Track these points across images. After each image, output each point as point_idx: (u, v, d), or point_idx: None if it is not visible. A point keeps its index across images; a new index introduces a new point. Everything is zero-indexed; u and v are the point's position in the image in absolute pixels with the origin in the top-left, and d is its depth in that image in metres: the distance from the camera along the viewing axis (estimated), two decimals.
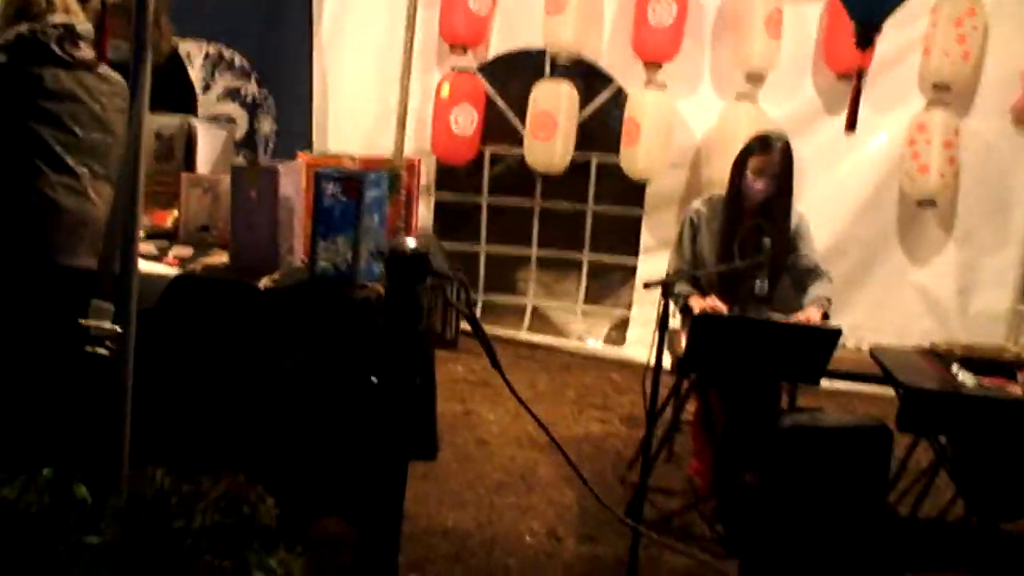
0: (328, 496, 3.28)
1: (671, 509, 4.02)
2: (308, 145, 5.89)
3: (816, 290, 4.10)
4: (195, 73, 5.85)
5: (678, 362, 3.83)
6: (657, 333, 3.30)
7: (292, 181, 3.56)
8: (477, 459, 4.38)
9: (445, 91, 5.72)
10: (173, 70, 4.77)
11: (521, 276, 6.44)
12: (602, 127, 6.04)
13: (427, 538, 3.68)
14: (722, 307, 3.95)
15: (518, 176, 6.04)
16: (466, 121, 5.71)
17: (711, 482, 3.95)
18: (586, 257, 6.29)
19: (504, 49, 5.98)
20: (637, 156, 5.60)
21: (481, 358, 6.11)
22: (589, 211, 6.17)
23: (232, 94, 5.91)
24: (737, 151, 4.10)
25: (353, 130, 5.97)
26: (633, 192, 5.98)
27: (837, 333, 3.45)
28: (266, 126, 5.99)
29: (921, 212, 5.69)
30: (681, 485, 4.27)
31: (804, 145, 5.63)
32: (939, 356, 3.55)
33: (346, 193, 3.45)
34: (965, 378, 3.29)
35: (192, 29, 5.56)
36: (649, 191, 5.93)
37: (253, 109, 5.95)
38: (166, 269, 3.51)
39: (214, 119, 5.83)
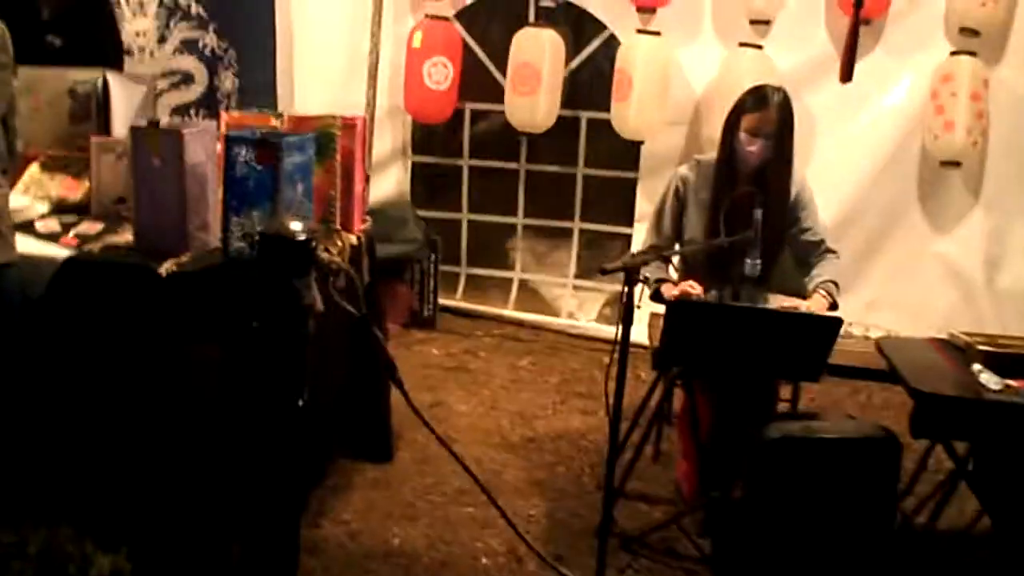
0: (231, 520, 2.81)
1: (653, 520, 3.54)
2: (273, 102, 5.39)
3: (821, 270, 3.58)
4: (148, 23, 5.34)
5: (654, 354, 3.32)
6: (621, 326, 2.80)
7: (203, 146, 3.07)
8: (438, 460, 3.90)
9: (417, 40, 5.18)
10: (95, 14, 4.27)
11: (508, 247, 5.92)
12: (594, 80, 5.46)
13: (366, 562, 3.21)
14: (697, 290, 3.44)
15: (502, 136, 5.48)
16: (441, 74, 5.18)
17: (696, 491, 3.46)
18: (577, 226, 5.75)
19: None
20: (629, 113, 5.05)
21: (462, 340, 5.70)
22: (579, 174, 5.63)
23: (189, 46, 5.37)
24: None
25: (321, 86, 5.45)
26: (628, 153, 5.43)
27: (837, 323, 2.93)
28: (227, 82, 5.47)
29: (945, 174, 5.12)
30: (667, 490, 3.79)
31: (815, 99, 5.15)
32: (958, 350, 3.02)
33: (260, 160, 2.96)
34: (988, 379, 2.77)
35: None
36: (645, 152, 5.39)
37: (213, 63, 5.42)
38: (57, 250, 3.05)
39: (171, 74, 5.38)
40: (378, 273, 5.25)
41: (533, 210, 5.77)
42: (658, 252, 3.31)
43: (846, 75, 3.08)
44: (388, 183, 5.59)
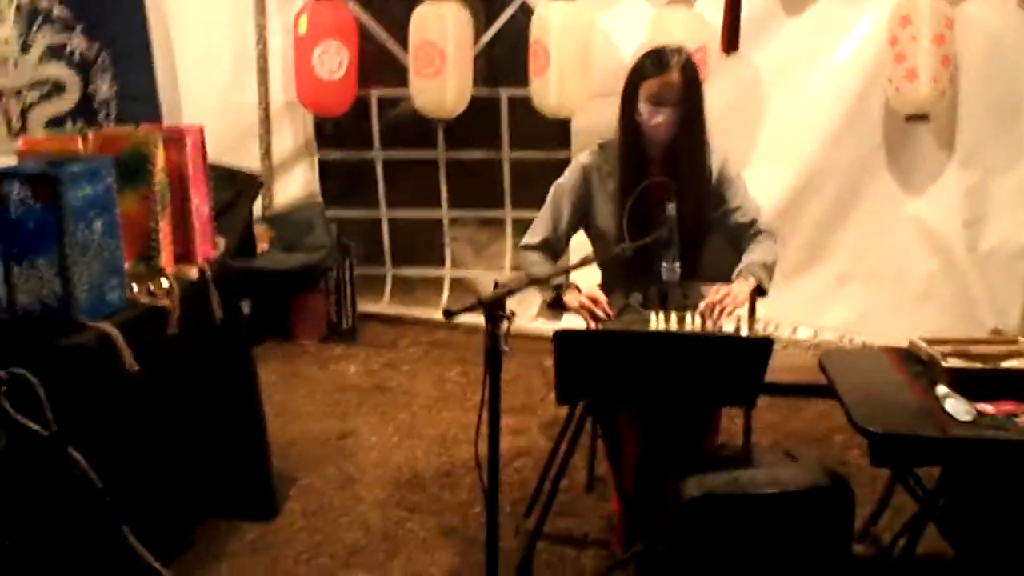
0: None
1: (579, 569, 3.00)
2: (156, 108, 4.83)
3: (751, 254, 3.02)
4: (7, 30, 4.74)
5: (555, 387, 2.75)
6: (488, 374, 2.24)
7: None
8: (333, 510, 3.36)
9: (303, 26, 4.59)
10: None
11: (436, 243, 5.35)
12: (512, 54, 4.87)
13: None
14: (602, 301, 2.88)
15: (416, 123, 4.90)
16: (333, 61, 4.59)
17: (623, 539, 2.91)
18: (509, 215, 5.18)
19: None
20: (549, 88, 4.46)
21: (384, 352, 5.06)
22: (506, 159, 5.05)
23: (56, 52, 4.77)
24: None
25: (208, 84, 4.88)
26: (558, 131, 4.84)
27: (766, 345, 2.36)
28: (105, 88, 4.87)
29: (913, 129, 4.53)
30: (600, 526, 3.24)
31: (761, 57, 4.58)
32: (920, 364, 2.44)
33: (39, 197, 2.41)
34: (955, 407, 2.20)
35: None
36: (575, 128, 4.80)
37: (85, 69, 4.83)
38: None
39: (39, 84, 4.79)
40: (291, 284, 4.76)
41: (459, 201, 5.21)
42: (529, 280, 2.68)
43: (728, 45, 2.49)
44: (294, 184, 5.02)
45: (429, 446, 3.86)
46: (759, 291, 2.91)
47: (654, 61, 2.90)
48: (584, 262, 2.70)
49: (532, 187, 5.17)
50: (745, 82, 4.57)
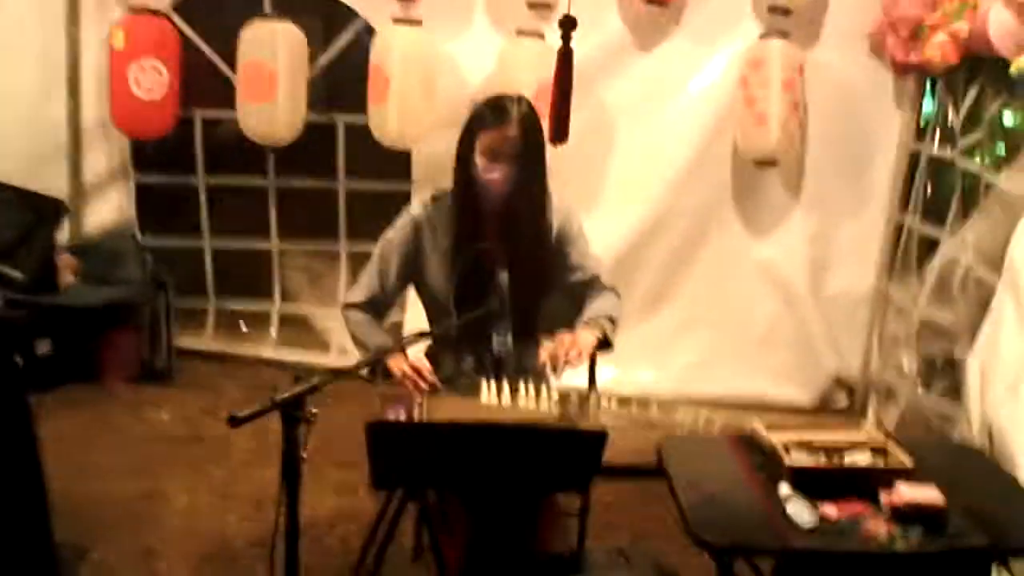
0: None
1: None
2: None
3: (597, 306, 2.81)
4: None
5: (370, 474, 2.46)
6: (284, 485, 1.94)
7: None
8: None
9: (118, 41, 4.17)
10: None
11: (264, 276, 4.98)
12: (351, 79, 4.55)
13: None
14: (425, 369, 2.63)
15: (245, 148, 4.51)
16: (152, 80, 4.19)
17: None
18: (344, 248, 4.86)
19: None
20: (388, 116, 4.18)
21: (203, 395, 4.55)
22: (341, 188, 4.73)
23: None
24: None
25: (13, 101, 4.39)
26: (398, 160, 4.55)
27: (600, 438, 2.14)
28: None
29: (761, 172, 4.44)
30: None
31: (611, 92, 4.43)
32: (762, 455, 2.26)
33: None
34: (798, 511, 2.02)
35: None
36: (416, 159, 4.54)
37: None
38: None
39: None
40: (98, 321, 4.32)
41: (290, 232, 4.86)
42: (330, 376, 2.32)
43: (555, 133, 2.28)
44: (107, 210, 4.57)
45: (244, 510, 3.51)
46: (604, 343, 2.70)
47: (492, 111, 2.66)
48: (417, 336, 2.44)
49: (370, 219, 4.89)
50: (593, 118, 4.39)
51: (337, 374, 2.05)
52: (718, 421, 2.60)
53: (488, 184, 2.68)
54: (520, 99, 2.70)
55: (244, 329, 4.98)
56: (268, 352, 4.82)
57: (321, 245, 4.90)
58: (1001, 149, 3.90)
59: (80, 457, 3.80)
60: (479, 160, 2.66)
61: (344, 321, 2.88)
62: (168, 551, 3.23)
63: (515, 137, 2.63)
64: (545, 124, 2.85)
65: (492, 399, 2.71)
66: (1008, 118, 3.87)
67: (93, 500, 3.49)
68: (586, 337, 2.70)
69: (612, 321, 2.80)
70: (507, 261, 2.48)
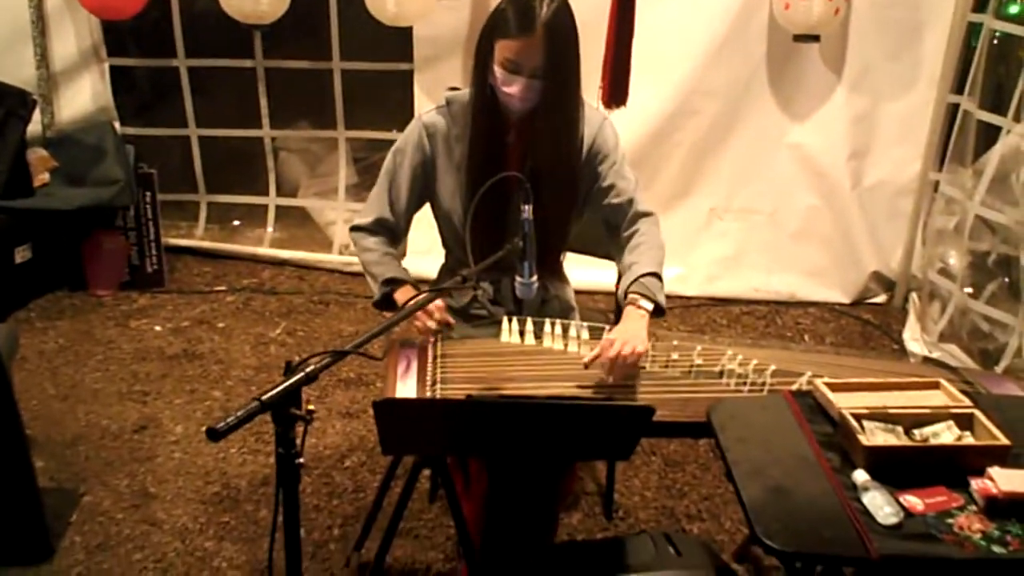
0: None
1: None
2: None
3: (637, 257, 2.43)
4: None
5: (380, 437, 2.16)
6: (280, 493, 1.65)
7: None
8: (123, 542, 2.74)
9: None
10: None
11: (258, 167, 4.61)
12: None
13: None
14: (437, 311, 2.31)
15: (229, 25, 4.05)
16: None
17: None
18: (342, 135, 4.47)
19: None
20: None
21: (196, 303, 4.11)
22: (336, 70, 4.30)
23: None
24: None
25: None
26: (398, 38, 4.12)
27: (646, 413, 1.84)
28: None
29: (800, 48, 4.02)
30: (446, 551, 2.74)
31: None
32: (829, 425, 1.96)
33: None
34: (877, 504, 1.74)
35: None
36: (418, 37, 4.11)
37: None
38: None
39: None
40: (80, 224, 3.98)
41: (283, 118, 4.46)
42: (308, 375, 1.90)
43: (613, 95, 1.91)
44: (81, 99, 4.16)
45: (244, 440, 3.25)
46: (656, 311, 2.34)
47: (516, 14, 2.24)
48: (433, 293, 2.11)
49: (369, 102, 4.50)
50: None
51: (336, 355, 1.72)
52: (769, 367, 2.28)
53: (507, 97, 2.30)
54: None
55: (237, 223, 4.65)
56: (265, 249, 4.49)
57: (317, 132, 4.51)
58: None
59: (66, 378, 3.53)
60: (497, 71, 2.27)
61: (353, 246, 2.55)
62: (164, 492, 2.98)
63: (539, 48, 2.23)
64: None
65: (514, 337, 2.42)
66: None
67: (82, 434, 3.24)
68: (638, 328, 2.26)
69: (659, 278, 2.43)
70: (531, 190, 2.11)
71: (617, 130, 2.50)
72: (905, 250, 4.30)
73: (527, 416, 1.87)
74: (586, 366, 2.21)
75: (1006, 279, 3.73)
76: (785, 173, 4.28)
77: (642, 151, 4.17)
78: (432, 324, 2.32)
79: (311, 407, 1.63)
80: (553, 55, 2.23)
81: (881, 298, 4.40)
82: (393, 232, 2.53)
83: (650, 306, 2.32)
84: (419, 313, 2.30)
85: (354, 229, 2.55)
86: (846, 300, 4.36)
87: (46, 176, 3.91)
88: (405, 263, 2.50)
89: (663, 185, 4.27)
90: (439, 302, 2.34)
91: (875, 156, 4.24)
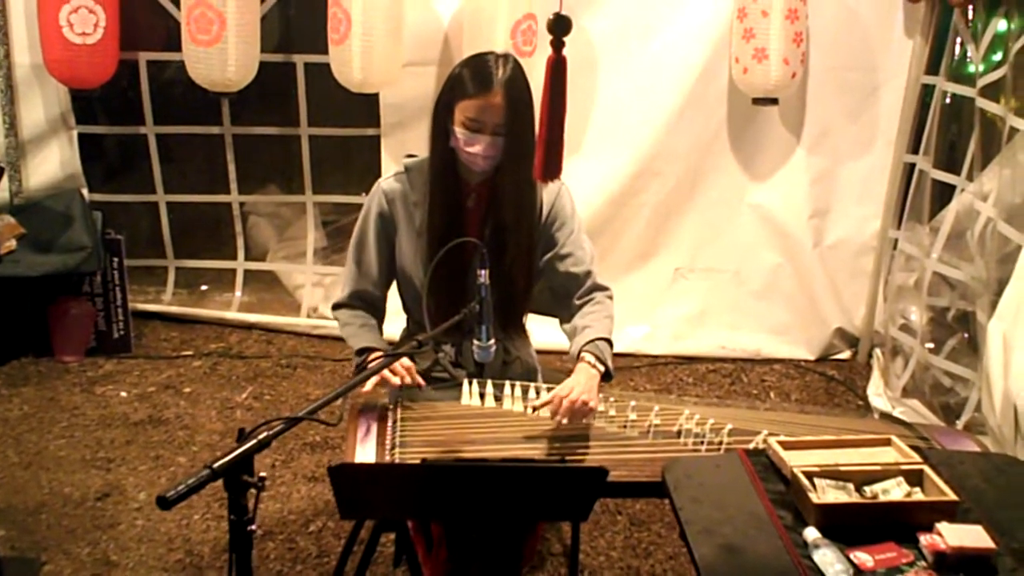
0: None
1: None
2: None
3: (590, 322, 2.46)
4: None
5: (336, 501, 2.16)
6: (232, 562, 1.65)
7: None
8: None
9: None
10: None
11: (226, 232, 4.63)
12: (310, 10, 4.14)
13: None
14: (403, 371, 2.34)
15: (197, 93, 4.08)
16: (88, 22, 3.76)
17: None
18: (310, 199, 4.51)
19: None
20: (351, 58, 3.78)
21: (163, 368, 4.09)
22: (304, 136, 4.35)
23: None
24: None
25: None
26: (365, 104, 4.17)
27: (599, 474, 1.86)
28: None
29: (759, 111, 4.10)
30: None
31: (595, 23, 4.05)
32: (782, 484, 1.99)
33: None
34: (827, 562, 1.76)
35: None
36: (385, 103, 4.17)
37: None
38: None
39: None
40: (46, 291, 3.99)
41: (252, 183, 4.50)
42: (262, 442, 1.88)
43: (547, 168, 1.96)
44: (49, 166, 4.16)
45: (208, 506, 3.22)
46: (605, 375, 2.38)
47: (473, 75, 2.30)
48: (389, 357, 2.13)
49: (337, 167, 4.56)
50: (577, 54, 3.97)
51: (290, 422, 1.73)
52: (726, 425, 2.31)
53: (469, 158, 2.35)
54: (506, 58, 2.35)
55: (205, 288, 4.66)
56: (233, 313, 4.50)
57: (286, 196, 4.55)
58: None
59: (30, 446, 3.51)
60: (458, 131, 2.32)
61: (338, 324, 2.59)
62: (125, 560, 2.95)
63: (500, 105, 2.29)
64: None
65: (475, 400, 2.43)
66: None
67: (44, 502, 3.21)
68: (589, 383, 2.30)
69: (610, 343, 2.47)
70: (487, 255, 2.14)
71: (574, 198, 2.55)
72: (868, 306, 4.35)
73: (480, 478, 1.88)
74: (534, 410, 2.24)
75: (965, 334, 3.78)
76: (748, 232, 4.34)
77: (607, 212, 4.22)
78: (396, 380, 2.34)
79: (263, 474, 1.64)
80: (513, 112, 2.29)
81: (845, 354, 4.44)
82: (370, 302, 2.58)
83: (602, 368, 2.36)
84: (386, 374, 2.33)
85: (334, 307, 2.61)
86: (811, 356, 4.40)
87: (13, 243, 3.91)
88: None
89: (628, 245, 4.32)
90: (406, 361, 2.36)
91: (836, 215, 4.31)
